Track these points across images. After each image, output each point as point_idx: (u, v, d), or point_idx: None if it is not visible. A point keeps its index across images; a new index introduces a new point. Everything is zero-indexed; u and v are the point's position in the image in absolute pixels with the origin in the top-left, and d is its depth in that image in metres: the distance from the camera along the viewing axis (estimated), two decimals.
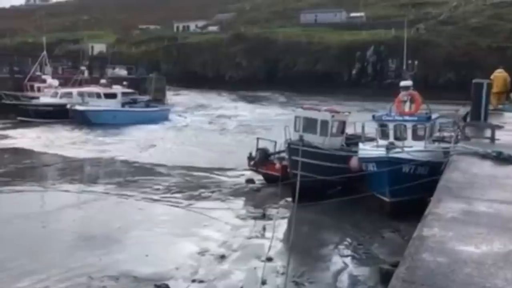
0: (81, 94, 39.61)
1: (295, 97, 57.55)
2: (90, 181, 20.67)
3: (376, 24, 75.26)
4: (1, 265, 11.47)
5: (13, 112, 39.25)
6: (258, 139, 21.39)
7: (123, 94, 40.50)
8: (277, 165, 19.52)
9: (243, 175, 21.20)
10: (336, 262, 12.46)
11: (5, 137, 31.87)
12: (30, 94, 43.71)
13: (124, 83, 43.34)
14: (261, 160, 20.27)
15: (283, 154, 19.31)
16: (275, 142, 20.30)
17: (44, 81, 44.35)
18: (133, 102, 40.63)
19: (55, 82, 43.29)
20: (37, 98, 41.85)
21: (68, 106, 37.59)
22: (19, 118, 38.66)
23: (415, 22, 67.39)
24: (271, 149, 20.51)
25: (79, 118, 37.12)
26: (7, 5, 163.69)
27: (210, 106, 51.81)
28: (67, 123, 36.63)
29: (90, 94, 39.29)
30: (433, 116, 17.78)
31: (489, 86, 16.24)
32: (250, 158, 20.76)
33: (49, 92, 41.60)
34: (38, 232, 14.01)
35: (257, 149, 20.65)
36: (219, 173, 21.89)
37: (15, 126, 36.95)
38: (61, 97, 40.48)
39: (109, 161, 25.06)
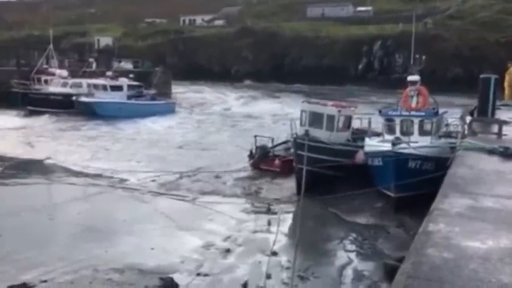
0: (89, 86, 39.74)
1: (301, 91, 57.40)
2: (96, 174, 20.72)
3: (383, 19, 74.85)
4: (8, 257, 11.56)
5: (23, 101, 39.08)
6: (255, 136, 21.84)
7: (130, 87, 40.58)
8: (276, 161, 20.11)
9: (246, 170, 21.21)
10: (341, 257, 12.45)
11: (12, 128, 31.95)
12: (37, 86, 43.78)
13: (130, 75, 43.36)
14: (261, 157, 20.65)
15: (281, 147, 20.33)
16: (272, 139, 21.15)
17: (51, 73, 44.33)
18: (139, 95, 40.67)
19: (64, 73, 43.22)
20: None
21: (74, 98, 37.66)
22: (28, 107, 38.69)
23: (423, 17, 66.94)
24: (270, 145, 21.16)
25: (84, 110, 37.19)
26: None
27: (215, 100, 51.72)
28: (74, 114, 36.69)
29: (97, 86, 39.37)
30: (440, 111, 17.68)
31: (498, 80, 16.14)
32: (250, 156, 21.05)
33: (58, 82, 41.59)
34: (44, 225, 14.11)
35: (257, 147, 21.02)
36: (224, 167, 21.86)
37: (24, 116, 37.10)
38: (71, 87, 40.50)
39: (113, 154, 25.10)
